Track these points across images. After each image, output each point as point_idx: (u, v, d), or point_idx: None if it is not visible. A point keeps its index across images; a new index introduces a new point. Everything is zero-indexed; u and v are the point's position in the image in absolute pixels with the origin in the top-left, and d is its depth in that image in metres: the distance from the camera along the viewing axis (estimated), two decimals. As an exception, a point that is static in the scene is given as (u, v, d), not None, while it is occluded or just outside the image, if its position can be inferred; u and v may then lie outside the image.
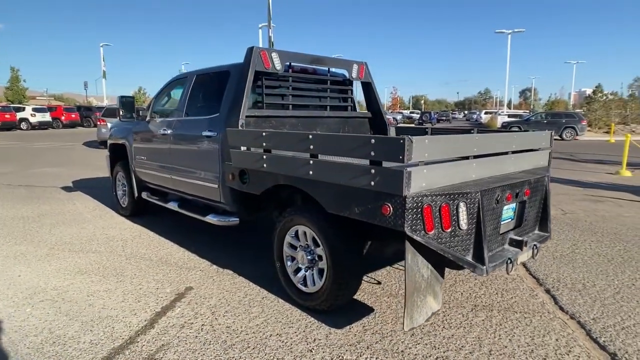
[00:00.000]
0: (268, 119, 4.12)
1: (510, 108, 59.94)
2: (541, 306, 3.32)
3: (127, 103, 5.45)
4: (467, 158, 2.82)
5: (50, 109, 33.80)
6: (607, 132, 26.40)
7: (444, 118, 51.20)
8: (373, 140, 2.47)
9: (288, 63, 4.19)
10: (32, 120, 30.58)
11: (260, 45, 4.05)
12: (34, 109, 31.54)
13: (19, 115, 30.21)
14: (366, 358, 2.62)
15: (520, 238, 3.03)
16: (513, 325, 3.02)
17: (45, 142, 20.26)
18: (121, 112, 5.35)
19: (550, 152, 3.73)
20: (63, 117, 33.03)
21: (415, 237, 2.40)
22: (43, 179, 9.27)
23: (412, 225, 2.37)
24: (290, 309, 3.25)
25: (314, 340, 2.82)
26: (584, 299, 3.44)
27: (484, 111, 50.19)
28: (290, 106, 4.35)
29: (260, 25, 31.18)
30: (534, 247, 3.11)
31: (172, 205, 4.88)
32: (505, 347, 2.75)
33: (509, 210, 3.03)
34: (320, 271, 3.11)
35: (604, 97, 34.83)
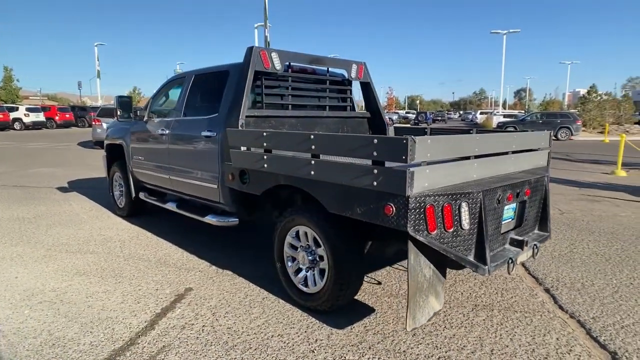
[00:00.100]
0: (267, 119, 4.11)
1: (505, 108, 60.21)
2: (541, 305, 3.34)
3: (125, 103, 5.42)
4: (468, 158, 2.83)
5: (44, 108, 33.53)
6: (601, 132, 26.58)
7: (440, 118, 51.34)
8: (376, 141, 2.46)
9: (287, 63, 4.18)
10: (26, 120, 30.34)
11: (257, 45, 4.03)
12: (28, 109, 31.28)
13: (12, 115, 29.95)
14: (368, 358, 2.62)
15: (521, 238, 3.04)
16: (514, 325, 3.03)
17: (40, 142, 20.11)
18: (119, 112, 5.31)
19: (549, 152, 3.75)
20: (57, 117, 32.77)
21: (418, 237, 2.40)
22: (38, 180, 9.20)
23: (415, 225, 2.37)
24: (291, 310, 3.24)
25: (316, 340, 2.81)
26: (583, 298, 3.45)
27: (479, 111, 50.45)
28: (290, 106, 4.34)
29: (255, 25, 31.14)
30: (535, 246, 3.12)
31: (171, 206, 4.85)
32: (507, 346, 2.76)
33: (509, 210, 3.04)
34: (322, 271, 3.11)
35: (599, 98, 35.03)
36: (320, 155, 2.89)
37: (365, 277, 3.80)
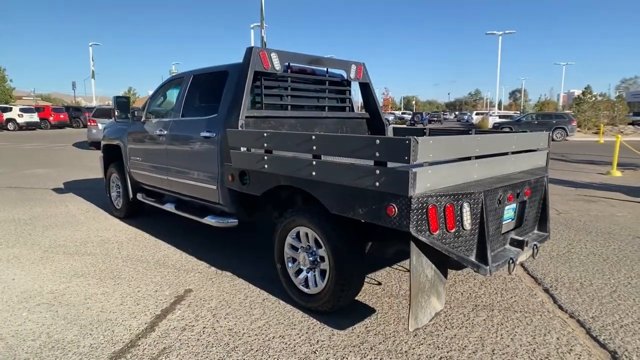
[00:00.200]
0: (267, 120, 4.10)
1: (500, 109, 60.46)
2: (541, 305, 3.35)
3: (122, 103, 5.40)
4: (469, 159, 2.83)
5: (37, 109, 33.30)
6: (596, 133, 26.76)
7: (435, 119, 51.55)
8: (378, 141, 2.46)
9: (287, 63, 4.18)
10: (20, 120, 30.12)
11: (252, 45, 4.03)
12: (22, 109, 31.06)
13: (6, 115, 29.77)
14: (370, 359, 2.61)
15: (521, 238, 3.05)
16: (514, 325, 3.03)
17: (34, 143, 19.98)
18: (116, 113, 5.28)
19: (548, 153, 3.77)
20: (51, 118, 32.56)
21: (420, 237, 2.40)
22: (34, 181, 9.14)
23: (418, 225, 2.37)
24: (291, 311, 3.23)
25: (317, 341, 2.81)
26: (582, 298, 3.47)
27: (474, 112, 50.63)
28: (289, 107, 4.34)
29: (252, 26, 31.11)
30: (534, 247, 3.13)
31: (169, 207, 4.83)
32: (508, 346, 2.76)
33: (509, 211, 3.05)
34: (323, 272, 3.10)
35: (593, 99, 35.27)
36: (322, 156, 2.89)
37: (365, 277, 3.80)
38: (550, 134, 3.94)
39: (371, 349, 2.72)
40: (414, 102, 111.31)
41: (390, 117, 44.74)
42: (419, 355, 2.66)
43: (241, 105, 3.70)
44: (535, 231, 3.48)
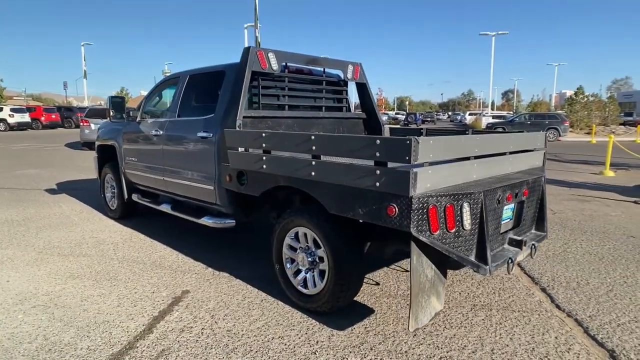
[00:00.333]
0: (264, 120, 4.08)
1: (493, 109, 60.84)
2: (538, 305, 3.37)
3: (117, 103, 5.36)
4: (468, 159, 2.84)
5: (29, 109, 32.97)
6: (588, 133, 27.01)
7: (429, 119, 51.68)
8: (378, 141, 2.46)
9: (284, 63, 4.16)
10: (11, 121, 29.79)
11: (246, 45, 4.01)
12: (12, 109, 30.71)
13: (-3, 116, 29.43)
14: (370, 359, 2.61)
15: (519, 238, 3.07)
16: (512, 324, 3.05)
17: (26, 143, 19.77)
18: (111, 113, 5.24)
19: (544, 153, 3.79)
20: (43, 118, 32.26)
21: (420, 237, 2.40)
22: (26, 182, 9.04)
23: (418, 226, 2.37)
24: (290, 312, 3.22)
25: (317, 342, 2.80)
26: (579, 297, 3.49)
27: (468, 112, 50.88)
28: (286, 107, 4.32)
29: (245, 26, 31.04)
30: (532, 246, 3.15)
31: (165, 208, 4.80)
32: (507, 345, 2.77)
33: (508, 211, 3.06)
34: (321, 273, 3.09)
35: (585, 99, 35.58)
36: (321, 156, 2.88)
37: (364, 278, 3.80)
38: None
39: (371, 349, 2.72)
40: (407, 103, 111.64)
41: (384, 118, 44.78)
42: (419, 355, 2.66)
43: (239, 105, 3.68)
44: (533, 231, 3.50)
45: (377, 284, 3.75)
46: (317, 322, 3.05)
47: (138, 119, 5.24)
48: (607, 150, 10.71)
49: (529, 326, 3.02)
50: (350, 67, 4.71)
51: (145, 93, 5.39)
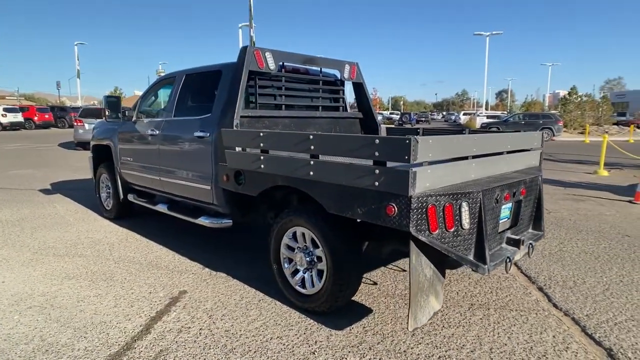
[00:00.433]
0: (261, 119, 4.07)
1: (487, 109, 61.11)
2: (536, 304, 3.38)
3: (113, 103, 5.32)
4: (466, 158, 2.85)
5: (22, 109, 32.70)
6: (582, 133, 27.17)
7: (423, 119, 51.75)
8: (377, 141, 2.46)
9: (281, 63, 4.15)
10: (3, 120, 29.52)
11: (241, 45, 4.00)
12: (5, 109, 30.41)
13: (-11, 115, 29.16)
14: (369, 359, 2.61)
15: (517, 237, 3.08)
16: (510, 323, 3.06)
17: (19, 143, 19.60)
18: (107, 112, 5.21)
19: (541, 153, 3.81)
20: (36, 118, 31.99)
21: (420, 237, 2.40)
22: (20, 182, 8.96)
23: (417, 225, 2.37)
24: (288, 311, 3.21)
25: (316, 342, 2.79)
26: (576, 296, 3.51)
27: (462, 112, 51.05)
28: (283, 106, 4.31)
29: (240, 25, 30.93)
30: (530, 245, 3.16)
31: (162, 208, 4.77)
32: (505, 344, 2.78)
33: (506, 210, 3.07)
34: (320, 272, 3.09)
35: (579, 99, 35.79)
36: (320, 155, 2.87)
37: (362, 277, 3.80)
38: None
39: (370, 348, 2.72)
40: (401, 103, 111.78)
41: (379, 117, 44.85)
42: (418, 354, 2.66)
43: (236, 104, 3.67)
44: (530, 230, 3.51)
45: (375, 283, 3.75)
46: (316, 322, 3.05)
47: (134, 118, 5.20)
48: (601, 150, 10.78)
49: (526, 325, 3.03)
50: (347, 67, 4.71)
51: (139, 93, 5.36)
